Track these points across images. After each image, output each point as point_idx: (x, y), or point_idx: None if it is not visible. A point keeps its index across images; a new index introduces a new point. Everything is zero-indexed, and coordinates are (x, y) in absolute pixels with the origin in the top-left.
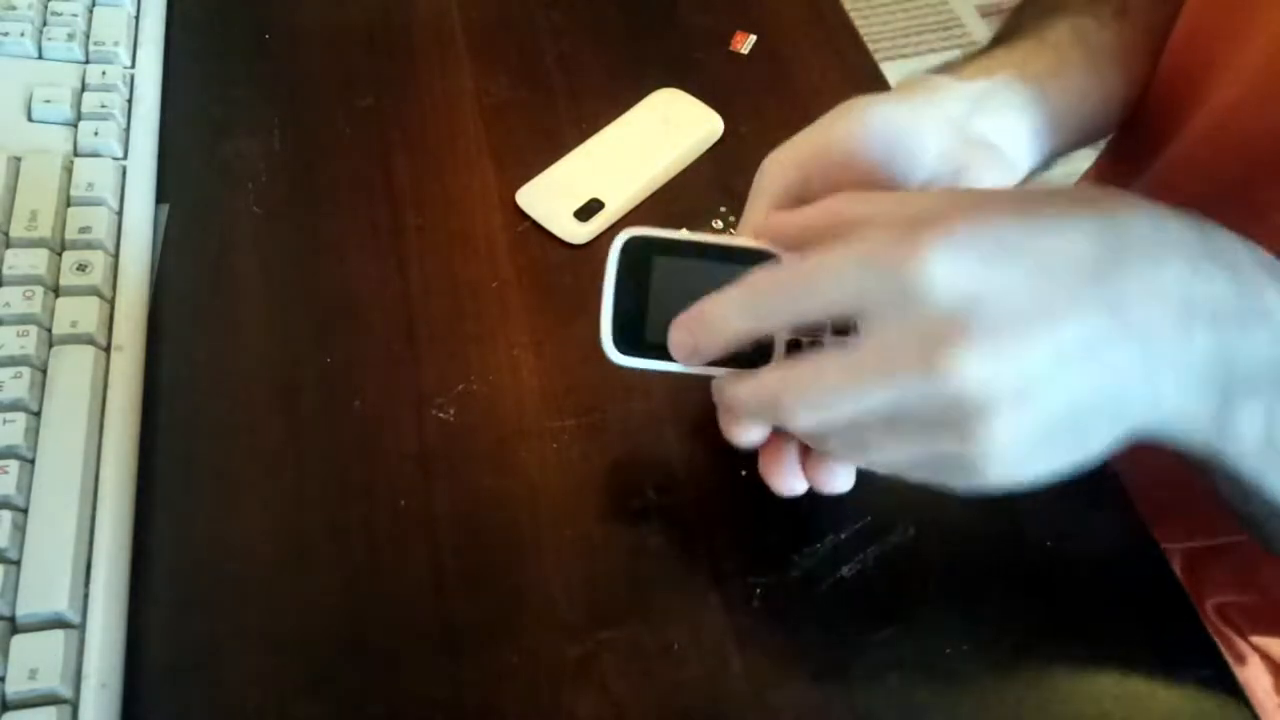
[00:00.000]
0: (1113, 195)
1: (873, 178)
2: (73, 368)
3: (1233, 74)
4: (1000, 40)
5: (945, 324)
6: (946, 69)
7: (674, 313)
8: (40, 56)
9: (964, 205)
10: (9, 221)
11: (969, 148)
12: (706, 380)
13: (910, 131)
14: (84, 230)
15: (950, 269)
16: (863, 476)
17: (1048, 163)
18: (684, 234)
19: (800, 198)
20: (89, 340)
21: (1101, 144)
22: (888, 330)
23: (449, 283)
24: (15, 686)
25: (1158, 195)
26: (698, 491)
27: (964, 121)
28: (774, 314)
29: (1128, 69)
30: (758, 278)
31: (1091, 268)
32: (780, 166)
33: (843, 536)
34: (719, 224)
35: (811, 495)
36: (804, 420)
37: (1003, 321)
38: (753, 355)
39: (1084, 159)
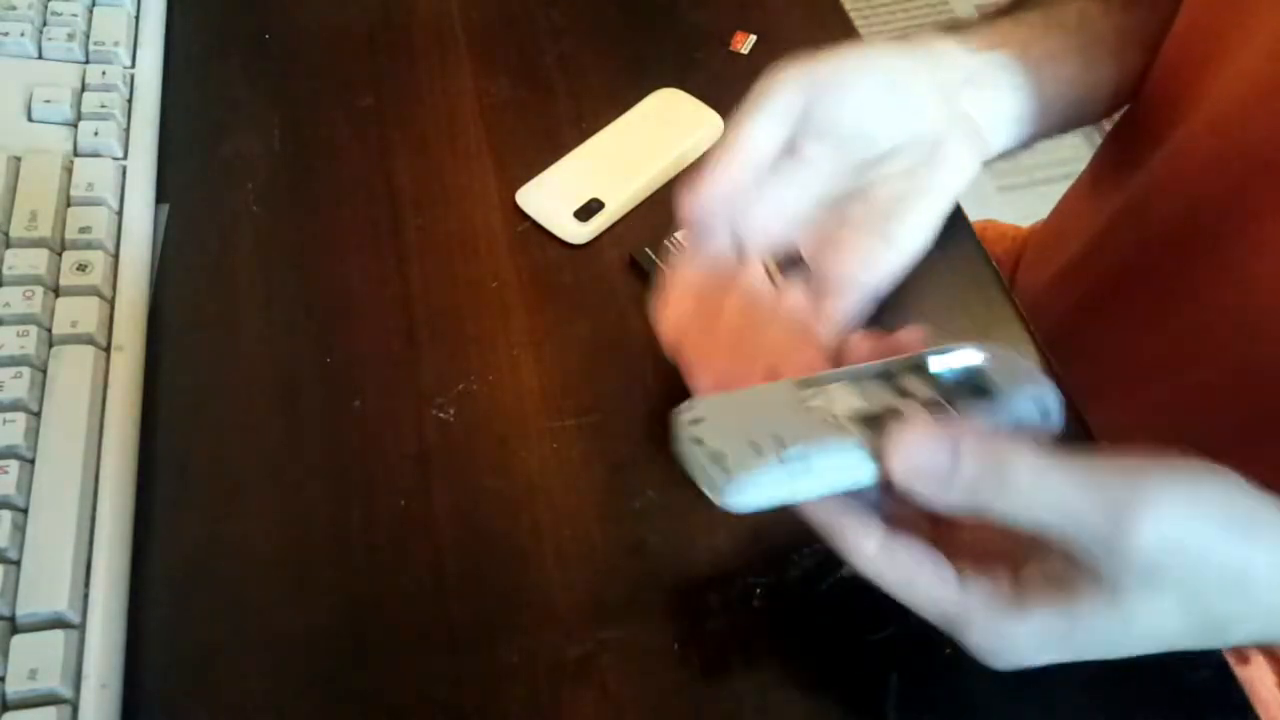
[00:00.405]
0: None
1: (864, 121)
2: (73, 368)
3: (1233, 71)
4: (1011, 9)
5: None
6: (954, 29)
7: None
8: (40, 56)
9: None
10: (9, 221)
11: (951, 119)
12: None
13: (906, 85)
14: (84, 230)
15: None
16: None
17: (1026, 145)
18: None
19: (795, 122)
20: (89, 340)
21: (1097, 140)
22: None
23: (449, 283)
24: (15, 686)
25: (1156, 194)
26: (697, 491)
27: (954, 91)
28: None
29: (1122, 62)
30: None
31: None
32: (787, 85)
33: None
34: None
35: None
36: None
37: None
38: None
39: (1079, 160)
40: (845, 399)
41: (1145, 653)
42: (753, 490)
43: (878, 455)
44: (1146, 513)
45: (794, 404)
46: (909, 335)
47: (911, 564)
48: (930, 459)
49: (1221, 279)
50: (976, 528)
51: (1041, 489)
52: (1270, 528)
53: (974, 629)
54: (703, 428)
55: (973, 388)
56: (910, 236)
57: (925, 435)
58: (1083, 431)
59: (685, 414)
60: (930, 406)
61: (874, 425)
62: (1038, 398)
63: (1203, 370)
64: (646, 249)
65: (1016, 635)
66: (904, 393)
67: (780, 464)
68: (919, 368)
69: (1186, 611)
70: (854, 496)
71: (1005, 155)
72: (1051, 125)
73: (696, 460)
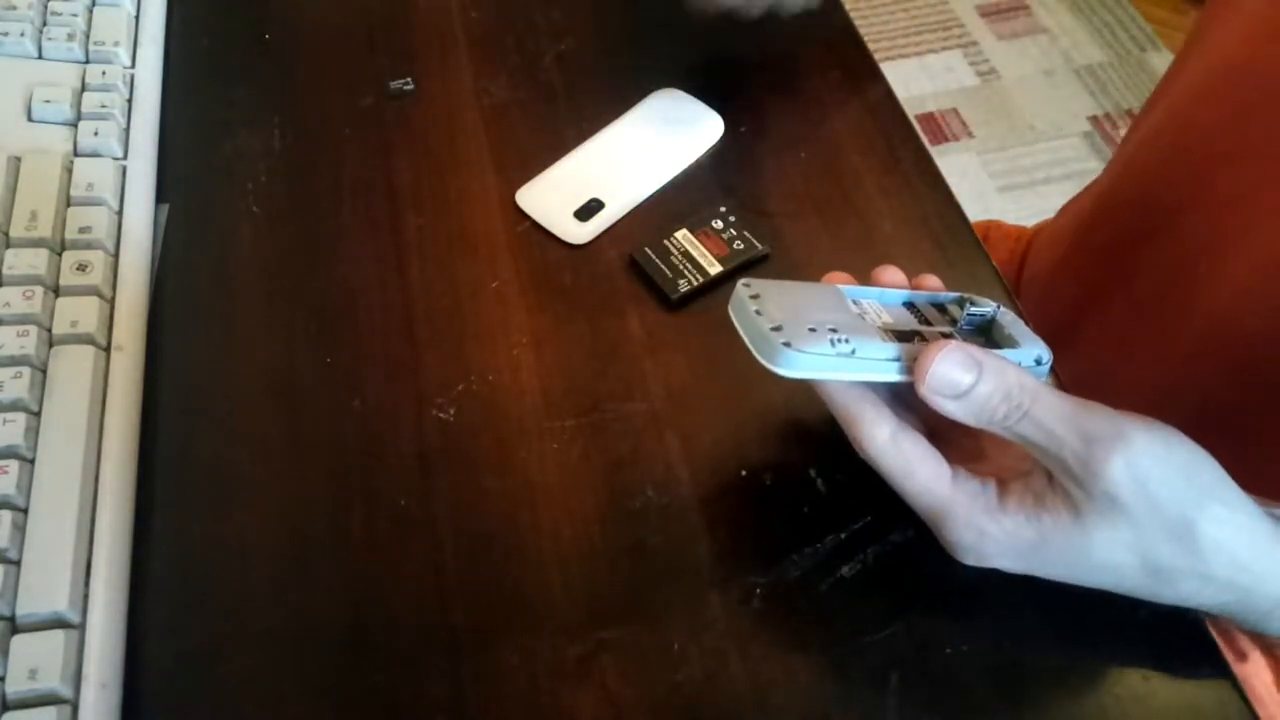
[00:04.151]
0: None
1: None
2: (73, 368)
3: (1197, 62)
4: None
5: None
6: None
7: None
8: (40, 56)
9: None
10: (9, 221)
11: None
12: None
13: None
14: (84, 230)
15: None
16: (864, 477)
17: None
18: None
19: None
20: (89, 340)
21: (1097, 140)
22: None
23: (449, 283)
24: (15, 686)
25: (1133, 181)
26: (698, 491)
27: None
28: (994, 403)
29: None
30: (1011, 375)
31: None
32: None
33: (843, 536)
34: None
35: (812, 495)
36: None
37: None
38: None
39: (1079, 160)
40: (878, 313)
41: (1103, 586)
42: (803, 362)
43: (910, 361)
44: (1119, 450)
45: (841, 304)
46: (928, 280)
47: (915, 454)
48: (957, 372)
49: (1208, 266)
50: (969, 445)
51: (1038, 412)
52: (1225, 505)
53: (955, 521)
54: (763, 303)
55: (980, 331)
56: None
57: (956, 351)
58: None
59: (746, 290)
60: (946, 337)
61: (904, 339)
62: (1033, 351)
63: (1198, 368)
64: (646, 249)
65: (989, 533)
66: (925, 321)
67: (831, 347)
68: (940, 305)
69: (1137, 552)
70: (872, 390)
71: None
72: None
73: (757, 326)
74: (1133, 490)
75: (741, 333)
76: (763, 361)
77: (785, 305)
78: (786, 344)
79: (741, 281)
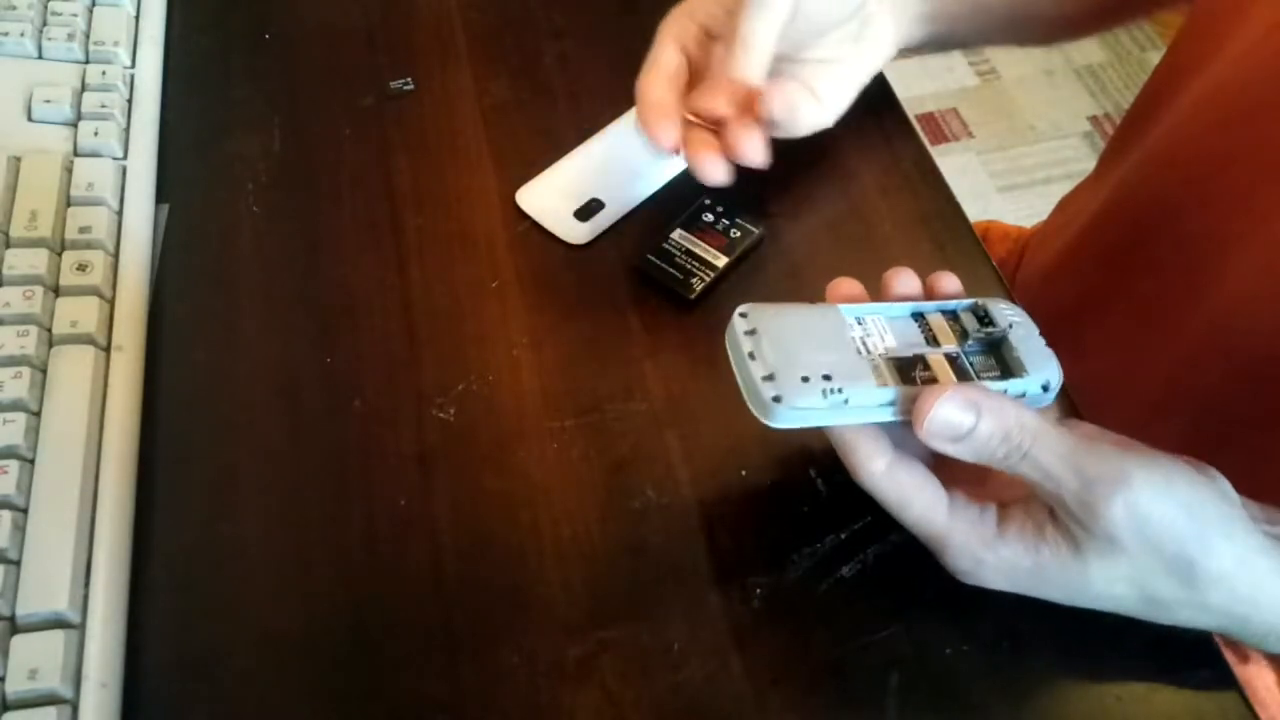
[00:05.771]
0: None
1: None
2: (73, 368)
3: (1224, 58)
4: None
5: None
6: None
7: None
8: (40, 56)
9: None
10: (9, 221)
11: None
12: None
13: None
14: (84, 230)
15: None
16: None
17: (942, 43)
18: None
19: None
20: (89, 340)
21: (1098, 141)
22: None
23: (449, 283)
24: (15, 686)
25: (1145, 178)
26: (698, 491)
27: None
28: (993, 443)
29: None
30: (1011, 413)
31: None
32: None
33: (843, 536)
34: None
35: (812, 494)
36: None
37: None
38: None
39: (1079, 160)
40: (881, 335)
41: (1099, 609)
42: (794, 416)
43: (907, 403)
44: (1119, 491)
45: (840, 333)
46: (943, 282)
47: (911, 486)
48: (956, 416)
49: (1207, 268)
50: (971, 467)
51: (1037, 452)
52: (1228, 539)
53: (952, 549)
54: (758, 341)
55: (989, 349)
56: (831, 94)
57: (955, 396)
58: None
59: (741, 321)
60: (951, 360)
61: (905, 370)
62: (1041, 377)
63: (1201, 370)
64: (649, 255)
65: (986, 562)
66: (932, 338)
67: (823, 398)
68: (952, 314)
69: (1135, 584)
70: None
71: (922, 48)
72: (968, 29)
73: (750, 374)
74: (1132, 530)
75: (735, 370)
76: (754, 412)
77: (780, 343)
78: (777, 399)
79: (739, 310)
